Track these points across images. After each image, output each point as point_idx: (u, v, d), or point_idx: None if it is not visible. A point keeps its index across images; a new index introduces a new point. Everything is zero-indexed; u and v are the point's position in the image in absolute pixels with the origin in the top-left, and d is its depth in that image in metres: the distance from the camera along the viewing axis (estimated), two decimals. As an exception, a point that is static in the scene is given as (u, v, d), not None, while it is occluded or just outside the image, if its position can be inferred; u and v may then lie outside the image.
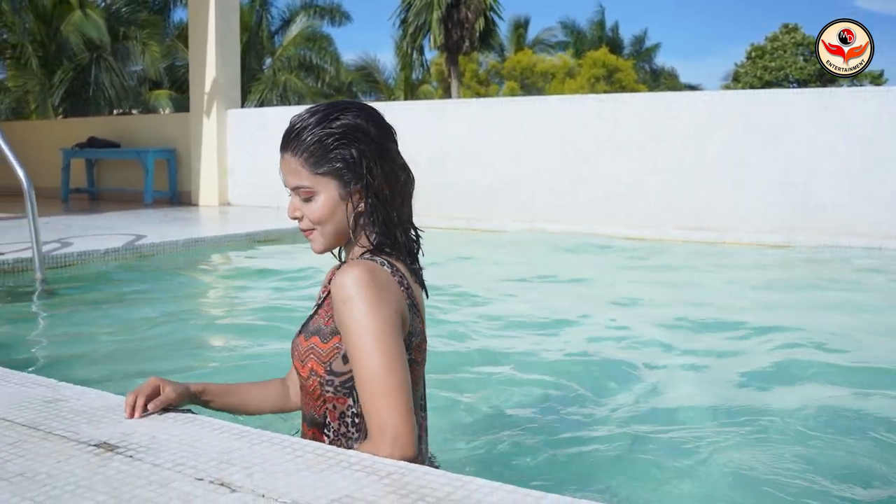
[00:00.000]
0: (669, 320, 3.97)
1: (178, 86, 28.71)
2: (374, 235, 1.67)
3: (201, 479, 1.46)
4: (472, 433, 2.46)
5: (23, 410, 1.86)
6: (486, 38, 32.59)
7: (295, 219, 1.69)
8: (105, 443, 1.65)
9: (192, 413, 1.87)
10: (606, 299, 4.58)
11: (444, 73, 37.83)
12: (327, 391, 1.68)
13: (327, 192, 1.64)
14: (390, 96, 35.95)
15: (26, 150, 11.33)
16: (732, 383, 2.92)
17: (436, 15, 30.93)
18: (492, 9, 32.40)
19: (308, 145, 1.62)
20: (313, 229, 1.67)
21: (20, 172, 4.65)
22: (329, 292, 1.67)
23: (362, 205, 1.66)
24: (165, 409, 1.80)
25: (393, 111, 8.86)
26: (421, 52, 34.10)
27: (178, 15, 31.52)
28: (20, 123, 18.25)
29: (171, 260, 5.66)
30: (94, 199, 10.68)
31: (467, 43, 30.92)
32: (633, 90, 31.59)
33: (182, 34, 30.04)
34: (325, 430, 1.73)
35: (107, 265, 5.22)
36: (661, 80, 42.23)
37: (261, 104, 28.38)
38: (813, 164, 6.53)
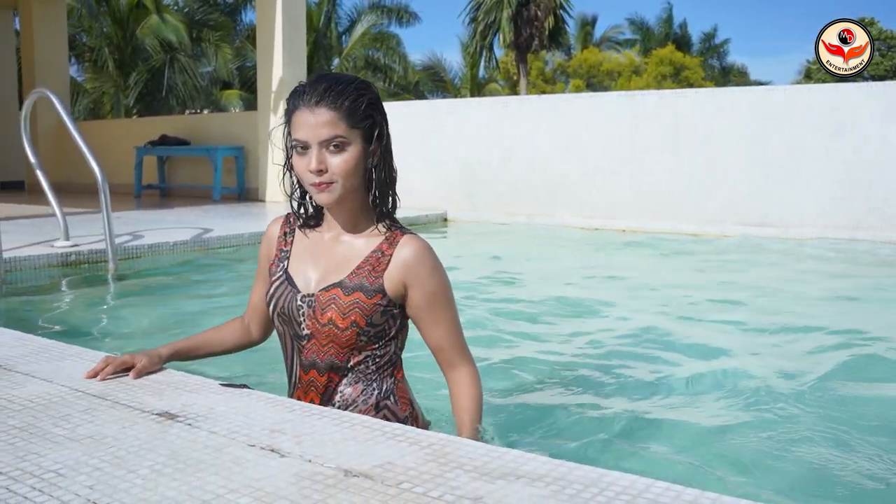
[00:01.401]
0: (736, 319, 3.89)
1: (248, 86, 29.28)
2: (388, 198, 1.92)
3: (253, 446, 1.56)
4: (533, 425, 2.50)
5: (94, 383, 1.98)
6: (556, 37, 32.47)
7: (319, 171, 1.78)
8: (166, 412, 1.76)
9: (249, 388, 1.98)
10: (666, 297, 4.53)
11: (511, 72, 37.84)
12: (362, 340, 1.89)
13: (356, 146, 1.81)
14: (456, 95, 36.08)
15: (102, 148, 11.73)
16: (810, 383, 2.87)
17: (506, 13, 30.97)
18: (562, 7, 32.30)
19: (346, 100, 1.79)
20: (332, 182, 1.79)
21: (96, 169, 4.85)
22: (385, 254, 1.89)
23: (378, 165, 1.88)
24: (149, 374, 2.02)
25: (457, 107, 8.99)
26: (490, 50, 34.11)
27: (248, 16, 32.14)
28: (96, 123, 18.85)
29: (237, 253, 5.83)
30: (164, 195, 11.01)
31: (537, 41, 30.86)
32: (700, 88, 31.11)
33: (252, 35, 30.64)
34: (345, 373, 1.93)
35: (175, 257, 5.40)
36: (731, 77, 41.53)
37: (329, 103, 28.67)
38: (880, 158, 6.40)
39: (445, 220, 8.29)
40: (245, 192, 10.15)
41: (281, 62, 9.29)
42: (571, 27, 36.76)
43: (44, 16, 11.86)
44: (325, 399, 1.93)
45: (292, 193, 1.97)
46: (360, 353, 1.91)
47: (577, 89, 33.93)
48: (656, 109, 7.32)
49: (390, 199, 1.93)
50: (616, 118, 7.53)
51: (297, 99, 1.80)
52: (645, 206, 7.34)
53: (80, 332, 3.66)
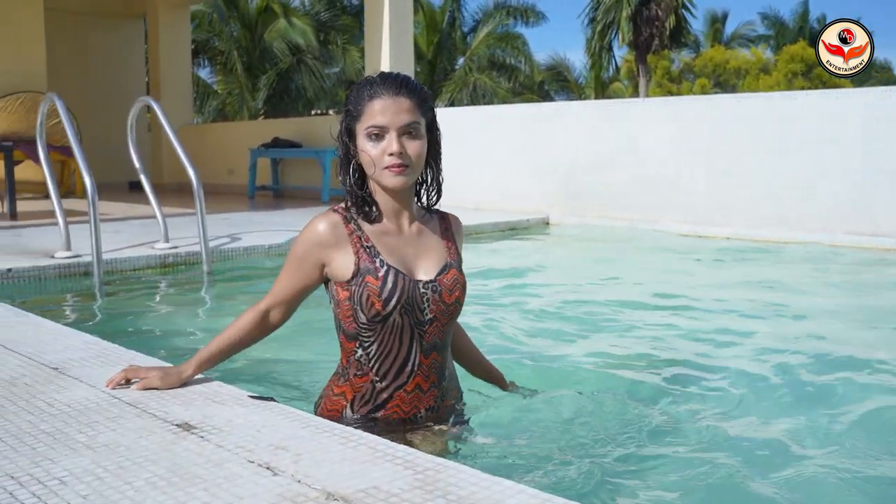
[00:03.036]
0: (847, 338, 3.65)
1: (375, 88, 29.68)
2: (434, 186, 2.08)
3: (252, 462, 1.58)
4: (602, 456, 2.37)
5: (131, 391, 2.06)
6: (678, 36, 31.64)
7: (398, 154, 1.91)
8: (186, 423, 1.81)
9: (275, 401, 2.01)
10: (771, 312, 4.24)
11: (634, 71, 37.12)
12: (459, 310, 2.07)
13: (424, 135, 1.97)
14: (580, 95, 35.73)
15: (221, 149, 12.23)
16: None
17: (625, 13, 30.43)
18: (684, 6, 31.47)
19: (419, 92, 1.97)
20: (407, 165, 1.92)
21: (191, 172, 5.05)
22: (448, 230, 2.12)
23: (434, 155, 2.05)
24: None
25: (560, 110, 8.90)
26: (609, 50, 33.60)
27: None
28: (217, 125, 19.68)
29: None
30: (277, 196, 11.34)
31: (657, 41, 30.16)
32: (834, 86, 29.66)
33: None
34: (445, 350, 2.08)
35: (271, 260, 5.55)
36: (872, 74, 39.35)
37: (451, 104, 28.98)
38: None
39: (547, 223, 8.21)
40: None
41: (388, 63, 9.41)
42: (698, 24, 35.77)
43: (169, 23, 12.43)
44: (442, 376, 2.07)
45: (352, 186, 2.02)
46: (452, 326, 2.10)
47: (703, 88, 32.91)
48: (763, 112, 7.03)
49: (439, 188, 2.10)
50: (722, 121, 7.27)
51: (374, 88, 1.94)
52: (752, 213, 7.06)
53: (164, 331, 3.81)
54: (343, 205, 2.05)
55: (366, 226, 2.00)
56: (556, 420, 2.36)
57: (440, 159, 2.08)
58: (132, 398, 2.00)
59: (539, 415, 2.38)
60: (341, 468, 1.55)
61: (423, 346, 2.01)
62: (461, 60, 33.27)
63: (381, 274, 1.94)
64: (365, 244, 1.97)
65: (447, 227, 2.12)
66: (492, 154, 8.93)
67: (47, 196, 10.38)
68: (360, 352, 2.00)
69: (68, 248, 4.90)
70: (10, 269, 4.48)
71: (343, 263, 1.97)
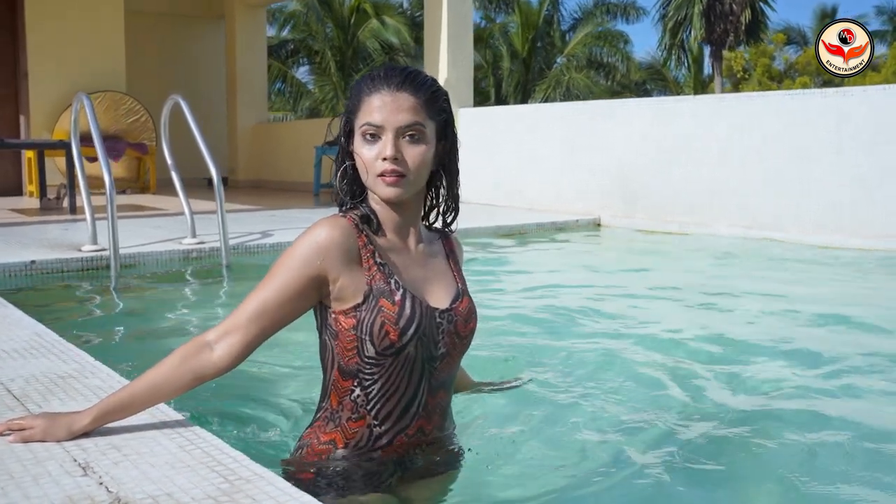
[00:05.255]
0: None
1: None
2: (451, 203, 1.79)
3: (75, 461, 1.57)
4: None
5: (29, 384, 2.09)
6: (754, 31, 30.50)
7: (392, 159, 1.62)
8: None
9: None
10: (833, 324, 3.93)
11: (735, 69, 36.06)
12: (470, 342, 1.81)
13: (430, 141, 1.67)
14: (678, 93, 34.94)
15: (292, 147, 12.44)
16: None
17: (697, 8, 29.56)
18: (762, -1, 30.38)
19: (428, 90, 1.67)
20: (403, 175, 1.63)
21: (212, 168, 5.15)
22: (452, 253, 1.85)
23: (447, 166, 1.76)
24: None
25: (614, 109, 8.68)
26: (682, 47, 32.73)
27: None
28: (290, 123, 20.06)
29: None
30: (343, 193, 11.44)
31: (731, 37, 29.16)
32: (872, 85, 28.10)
33: (476, 36, 31.30)
34: (451, 388, 1.82)
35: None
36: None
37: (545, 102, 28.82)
38: None
39: (598, 225, 8.03)
40: (412, 192, 10.35)
41: (446, 62, 9.39)
42: (805, 18, 34.41)
43: (246, 24, 12.74)
44: (444, 416, 1.81)
45: (344, 193, 1.73)
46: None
47: (804, 87, 31.71)
48: (821, 110, 6.67)
49: (457, 206, 1.81)
50: (777, 119, 6.95)
51: (373, 82, 1.65)
52: (806, 217, 6.72)
53: (169, 326, 3.90)
54: (350, 214, 1.71)
55: (375, 238, 1.70)
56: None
57: (457, 171, 1.77)
58: (21, 391, 2.03)
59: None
60: (154, 472, 1.52)
61: (432, 385, 1.72)
62: (560, 59, 32.97)
63: (397, 298, 1.64)
64: (378, 260, 1.66)
65: (452, 249, 1.85)
66: (546, 153, 8.79)
67: (122, 191, 10.85)
68: (357, 391, 1.67)
69: (94, 242, 5.06)
70: (33, 262, 4.65)
71: (352, 282, 1.63)
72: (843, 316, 4.03)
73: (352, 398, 1.68)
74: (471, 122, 9.59)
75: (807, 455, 2.29)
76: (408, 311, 1.64)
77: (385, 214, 1.70)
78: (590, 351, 3.35)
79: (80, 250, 5.01)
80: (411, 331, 1.64)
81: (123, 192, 10.90)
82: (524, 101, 30.51)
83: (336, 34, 29.09)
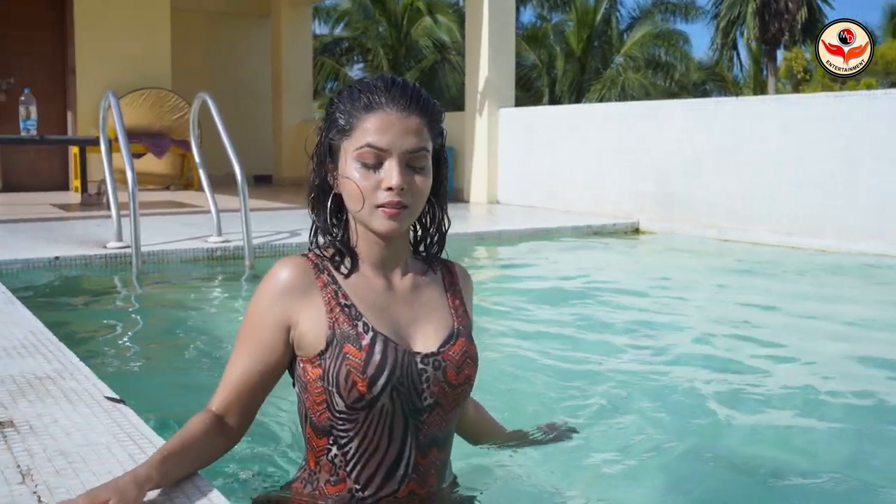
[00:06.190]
0: None
1: (522, 84, 29.49)
2: (437, 234, 1.62)
3: (19, 467, 1.55)
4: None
5: (2, 384, 2.09)
6: (811, 30, 29.73)
7: (399, 190, 1.44)
8: (9, 420, 1.81)
9: (124, 403, 1.98)
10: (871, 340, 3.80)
11: (795, 69, 35.29)
12: (468, 392, 1.59)
13: (430, 165, 1.50)
14: (738, 94, 34.33)
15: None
16: None
17: (751, 7, 28.94)
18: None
19: (432, 111, 1.49)
20: (406, 206, 1.45)
21: (236, 167, 5.14)
22: (455, 285, 1.64)
23: (439, 194, 1.58)
24: None
25: (653, 110, 8.52)
26: (734, 46, 32.09)
27: (525, 16, 32.61)
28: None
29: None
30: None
31: (786, 36, 28.47)
32: None
33: (525, 34, 31.16)
34: (447, 445, 1.60)
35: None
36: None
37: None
38: None
39: (637, 230, 7.87)
40: (452, 193, 10.31)
41: (486, 61, 9.30)
42: (875, 17, 33.50)
43: (291, 21, 12.82)
44: (442, 478, 1.59)
45: (322, 225, 1.56)
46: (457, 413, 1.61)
47: (869, 88, 30.84)
48: (868, 111, 6.45)
49: (442, 237, 1.64)
50: (819, 122, 6.73)
51: (375, 96, 1.45)
52: (850, 223, 6.50)
53: (186, 324, 3.90)
54: (315, 251, 1.57)
55: (342, 279, 1.52)
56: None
57: (446, 199, 1.60)
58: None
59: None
60: (94, 482, 1.49)
61: (420, 442, 1.50)
62: (619, 58, 32.59)
63: (364, 342, 1.45)
64: (342, 301, 1.49)
65: (453, 282, 1.63)
66: (584, 155, 8.66)
67: (166, 188, 11.01)
68: (334, 450, 1.50)
69: (119, 238, 5.10)
70: (57, 258, 4.71)
71: (313, 326, 1.48)
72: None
73: (328, 458, 1.51)
74: (511, 123, 9.51)
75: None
76: (377, 356, 1.45)
77: (367, 250, 1.53)
78: (633, 384, 2.95)
79: (104, 247, 5.06)
80: (382, 380, 1.44)
81: (167, 188, 11.05)
82: (578, 101, 30.23)
83: (389, 32, 29.19)
